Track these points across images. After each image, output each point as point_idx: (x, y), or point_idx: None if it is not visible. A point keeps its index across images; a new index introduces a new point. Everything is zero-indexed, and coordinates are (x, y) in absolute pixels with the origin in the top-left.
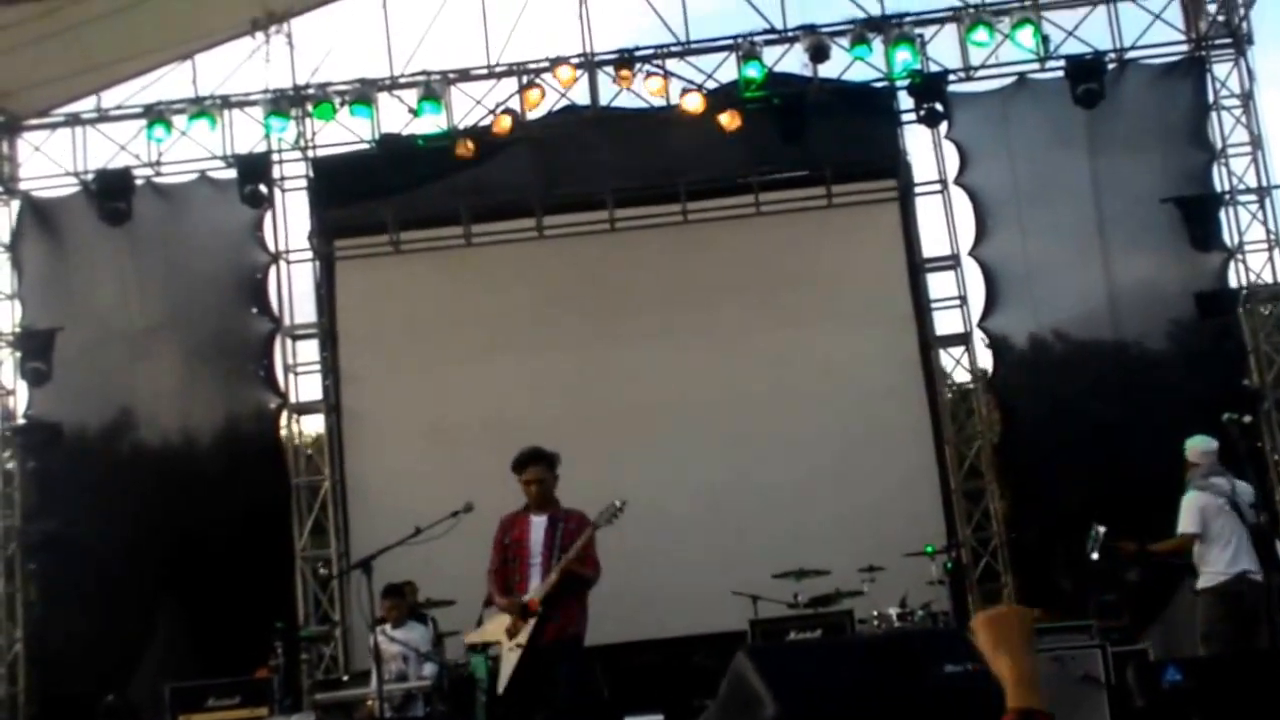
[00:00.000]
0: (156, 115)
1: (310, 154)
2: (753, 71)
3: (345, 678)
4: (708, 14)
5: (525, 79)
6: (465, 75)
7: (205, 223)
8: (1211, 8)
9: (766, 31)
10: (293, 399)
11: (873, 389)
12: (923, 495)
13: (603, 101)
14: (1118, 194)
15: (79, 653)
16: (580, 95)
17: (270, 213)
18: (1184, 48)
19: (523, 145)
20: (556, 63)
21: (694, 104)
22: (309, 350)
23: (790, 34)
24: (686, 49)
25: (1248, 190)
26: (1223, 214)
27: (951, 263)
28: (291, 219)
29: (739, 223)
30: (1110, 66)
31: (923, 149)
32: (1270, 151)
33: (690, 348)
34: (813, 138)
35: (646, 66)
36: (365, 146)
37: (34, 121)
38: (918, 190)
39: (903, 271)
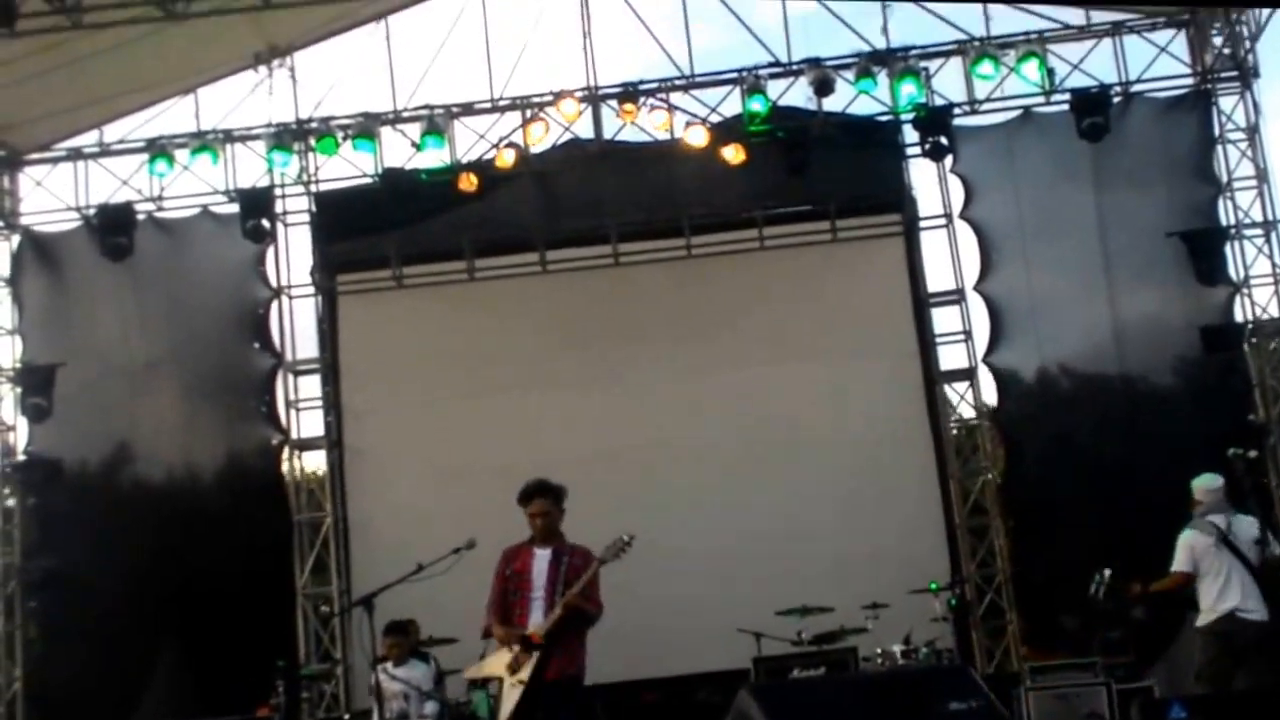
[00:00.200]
0: (158, 149)
1: (313, 188)
2: (757, 105)
3: (346, 716)
4: (712, 47)
5: (529, 113)
6: (468, 109)
7: (207, 258)
8: (1217, 41)
9: (771, 65)
10: (294, 435)
11: (877, 424)
12: (927, 531)
13: (606, 135)
14: (1123, 228)
15: (79, 691)
16: (584, 129)
17: (272, 247)
18: (1189, 81)
19: (526, 179)
20: (560, 96)
21: (698, 138)
22: (311, 386)
23: (795, 67)
24: (691, 82)
25: (1253, 224)
26: (1228, 248)
27: (956, 297)
28: (294, 253)
29: (743, 257)
30: (1115, 100)
31: (928, 183)
32: (1276, 185)
33: (694, 382)
34: (817, 171)
35: (650, 100)
36: (368, 181)
37: (35, 156)
38: (922, 224)
39: (907, 306)
